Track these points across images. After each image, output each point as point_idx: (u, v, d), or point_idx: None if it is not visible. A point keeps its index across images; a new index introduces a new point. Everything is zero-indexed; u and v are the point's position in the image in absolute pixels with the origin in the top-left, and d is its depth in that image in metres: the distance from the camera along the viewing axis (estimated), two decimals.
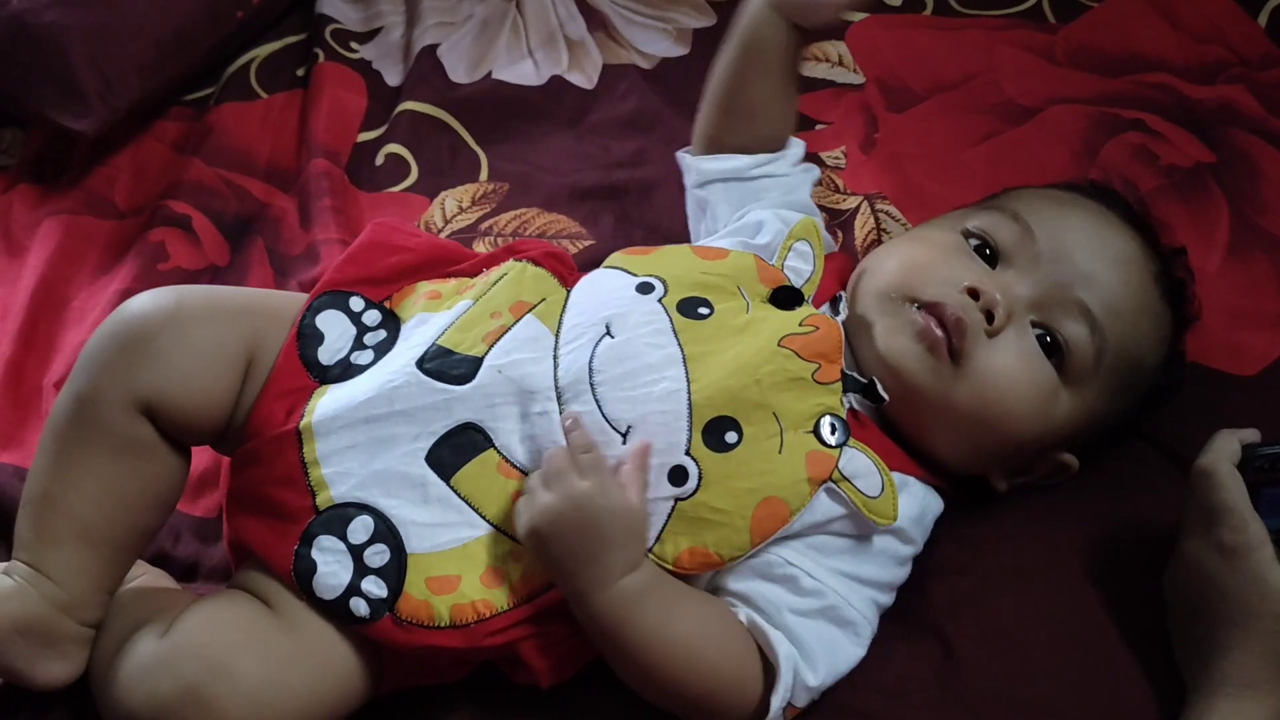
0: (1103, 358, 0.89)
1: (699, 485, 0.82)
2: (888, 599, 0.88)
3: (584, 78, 1.39)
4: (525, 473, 0.84)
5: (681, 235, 1.08)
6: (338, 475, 0.84)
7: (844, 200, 1.22)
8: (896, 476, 0.86)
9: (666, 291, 0.89)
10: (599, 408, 0.83)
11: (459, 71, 1.39)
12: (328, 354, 0.89)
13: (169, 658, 0.81)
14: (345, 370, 0.88)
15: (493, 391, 0.85)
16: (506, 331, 0.87)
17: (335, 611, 0.83)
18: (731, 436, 0.83)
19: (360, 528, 0.84)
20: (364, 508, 0.84)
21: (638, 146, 1.29)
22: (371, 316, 0.91)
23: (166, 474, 0.88)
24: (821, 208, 1.21)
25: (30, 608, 0.84)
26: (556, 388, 0.84)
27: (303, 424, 0.85)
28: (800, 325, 0.87)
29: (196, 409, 0.86)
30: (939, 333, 0.88)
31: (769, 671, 0.82)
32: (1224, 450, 0.84)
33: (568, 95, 1.37)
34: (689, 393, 0.83)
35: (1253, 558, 0.80)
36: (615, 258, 0.95)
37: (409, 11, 1.46)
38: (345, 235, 1.19)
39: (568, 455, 0.81)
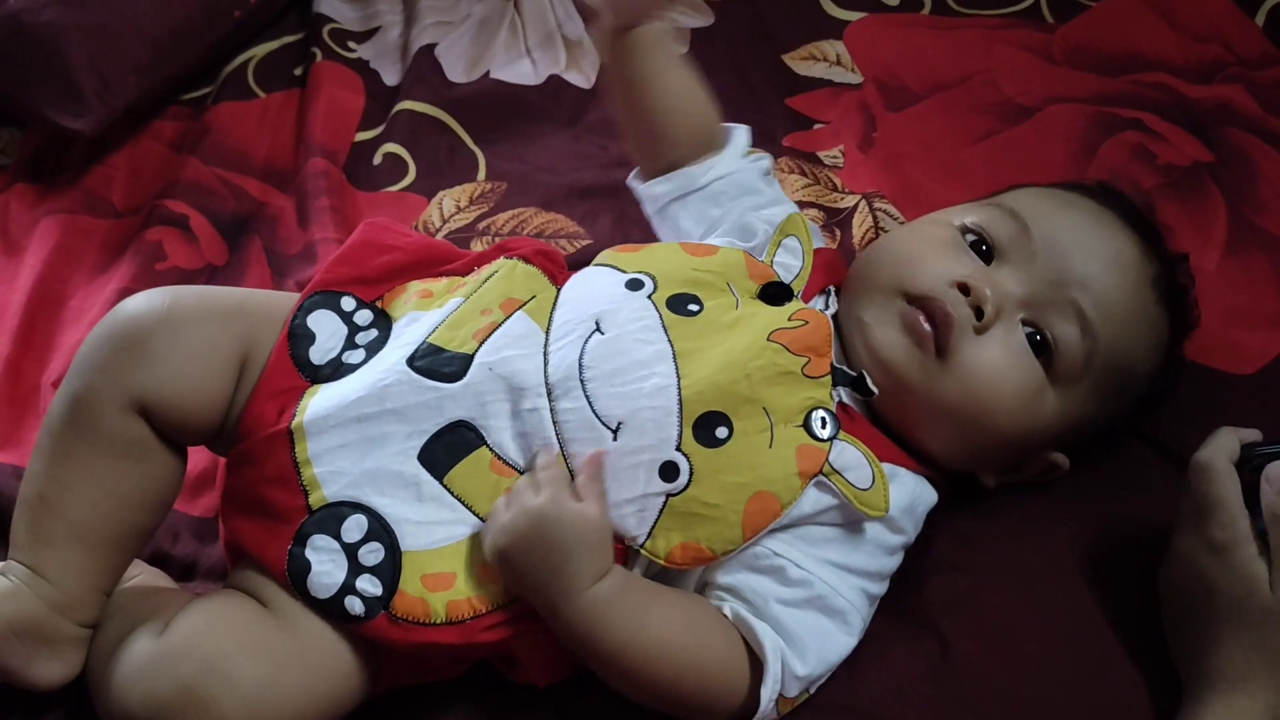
0: (1093, 360, 0.89)
1: (690, 480, 0.82)
2: (878, 588, 0.88)
3: (582, 77, 1.39)
4: (518, 470, 0.84)
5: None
6: (330, 474, 0.84)
7: (842, 199, 1.22)
8: (887, 467, 0.86)
9: (656, 288, 0.89)
10: (589, 404, 0.83)
11: (457, 71, 1.39)
12: (319, 353, 0.89)
13: (166, 657, 0.81)
14: (337, 369, 0.88)
15: (484, 389, 0.85)
16: (497, 328, 0.87)
17: (330, 610, 0.83)
18: (722, 431, 0.83)
19: (354, 526, 0.84)
20: (357, 506, 0.84)
21: None
22: (363, 316, 0.91)
23: (163, 474, 0.88)
24: (820, 207, 1.21)
25: (26, 608, 0.84)
26: (547, 384, 0.84)
27: (294, 424, 0.85)
28: (789, 320, 0.87)
29: (191, 409, 0.86)
30: (926, 327, 0.88)
31: (758, 664, 0.82)
32: (1223, 447, 0.84)
33: (566, 95, 1.37)
34: (679, 388, 0.83)
35: (1240, 553, 0.80)
36: (605, 255, 0.95)
37: (407, 11, 1.46)
38: (343, 235, 1.19)
39: (528, 475, 0.82)
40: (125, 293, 1.12)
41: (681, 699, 0.82)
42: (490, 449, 0.84)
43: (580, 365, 0.84)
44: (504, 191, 1.27)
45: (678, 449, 0.83)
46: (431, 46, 1.41)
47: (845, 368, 0.89)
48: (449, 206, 1.25)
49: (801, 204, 1.20)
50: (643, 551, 0.83)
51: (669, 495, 0.82)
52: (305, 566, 0.83)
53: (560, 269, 0.95)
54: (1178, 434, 0.97)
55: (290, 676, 0.82)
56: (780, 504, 0.83)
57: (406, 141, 1.32)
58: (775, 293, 0.91)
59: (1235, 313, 1.10)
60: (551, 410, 0.84)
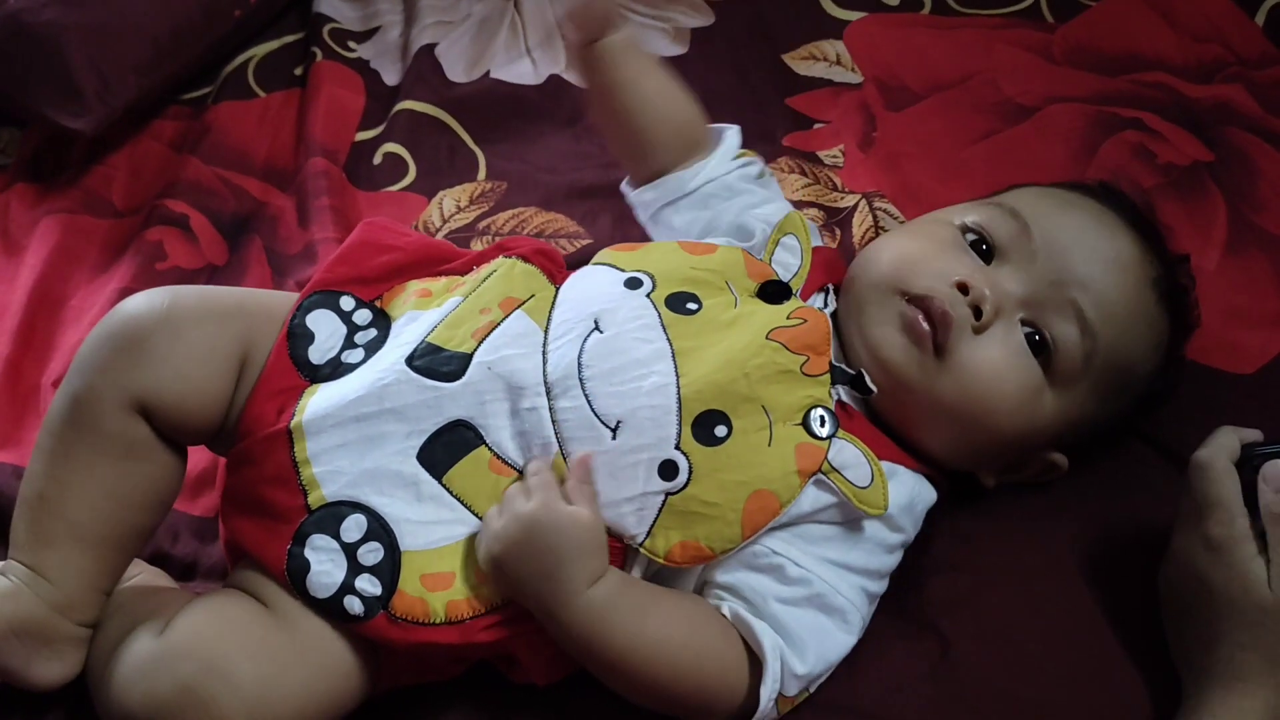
0: (1093, 360, 0.89)
1: (689, 479, 0.82)
2: (878, 587, 0.88)
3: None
4: (516, 469, 0.84)
5: None
6: (329, 474, 0.84)
7: (842, 199, 1.22)
8: (885, 466, 0.86)
9: (655, 287, 0.89)
10: (588, 402, 0.83)
11: (457, 70, 1.39)
12: (318, 353, 0.89)
13: (166, 657, 0.81)
14: (336, 369, 0.88)
15: (483, 388, 0.85)
16: (496, 328, 0.87)
17: (330, 610, 0.83)
18: (721, 430, 0.83)
19: (353, 526, 0.84)
20: (356, 506, 0.84)
21: None
22: (362, 315, 0.91)
23: (163, 474, 0.88)
24: (820, 206, 1.21)
25: (26, 608, 0.84)
26: (545, 383, 0.84)
27: (293, 423, 0.85)
28: (788, 318, 0.87)
29: (191, 408, 0.86)
30: (925, 326, 0.88)
31: (758, 663, 0.82)
32: (1223, 446, 0.84)
33: (566, 94, 1.37)
34: (678, 387, 0.83)
35: (1237, 551, 0.80)
36: (604, 254, 0.95)
37: (407, 10, 1.46)
38: (343, 234, 1.18)
39: (519, 483, 0.82)
40: (125, 292, 1.12)
41: (681, 699, 0.82)
42: (489, 448, 0.84)
43: (579, 364, 0.84)
44: (504, 191, 1.27)
45: (677, 447, 0.83)
46: (432, 46, 1.41)
47: (844, 366, 0.89)
48: (449, 206, 1.25)
49: (801, 203, 1.21)
50: (642, 550, 0.83)
51: (668, 494, 0.82)
52: (305, 566, 0.83)
53: (559, 268, 0.95)
54: (1177, 433, 0.97)
55: (290, 676, 0.82)
56: (779, 502, 0.83)
57: (407, 141, 1.31)
58: (774, 291, 0.91)
59: (1235, 312, 1.10)
60: (550, 409, 0.84)
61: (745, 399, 0.84)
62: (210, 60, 1.39)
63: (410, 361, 0.86)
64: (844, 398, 0.89)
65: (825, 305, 0.94)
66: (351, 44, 1.43)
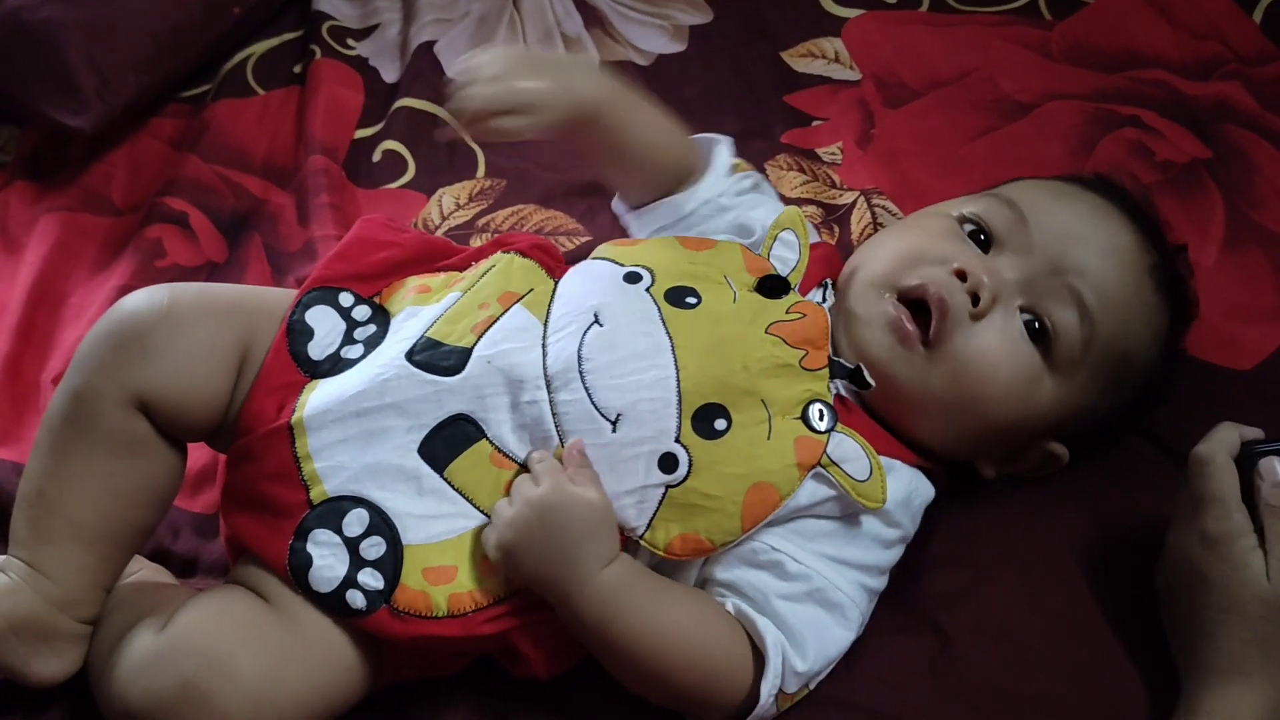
0: (1092, 346, 0.89)
1: (689, 472, 0.82)
2: (876, 583, 0.88)
3: None
4: (518, 462, 0.84)
5: None
6: (330, 469, 0.84)
7: (840, 196, 1.23)
8: (883, 460, 0.86)
9: (654, 281, 0.89)
10: (588, 396, 0.83)
11: (456, 68, 1.39)
12: (318, 349, 0.89)
13: (167, 653, 0.81)
14: (335, 365, 0.88)
15: (483, 382, 0.85)
16: (495, 322, 0.87)
17: (331, 605, 0.83)
18: (721, 423, 0.83)
19: (355, 520, 0.84)
20: (358, 500, 0.84)
21: None
22: (361, 311, 0.91)
23: (163, 471, 0.88)
24: (818, 203, 1.21)
25: (26, 605, 0.84)
26: (546, 376, 0.84)
27: (294, 419, 0.85)
28: (787, 313, 0.88)
29: (191, 405, 0.86)
30: (910, 327, 0.88)
31: (758, 659, 0.82)
32: (1223, 441, 0.84)
33: None
34: (678, 380, 0.84)
35: (1234, 546, 0.81)
36: (603, 248, 0.96)
37: (406, 8, 1.46)
38: (342, 232, 1.19)
39: (526, 474, 0.83)
40: (125, 290, 1.12)
41: (686, 690, 0.82)
42: (490, 442, 0.85)
43: (579, 357, 0.84)
44: (503, 188, 1.27)
45: (677, 440, 0.83)
46: (431, 44, 1.41)
47: (843, 360, 0.90)
48: (448, 203, 1.25)
49: (800, 200, 1.21)
50: (642, 543, 0.83)
51: (668, 487, 0.83)
52: (306, 561, 0.83)
53: (557, 263, 0.95)
54: (1176, 429, 0.97)
55: (292, 671, 0.82)
56: (779, 495, 0.83)
57: (406, 139, 1.32)
58: (772, 285, 0.91)
59: (1233, 308, 1.10)
60: (551, 402, 0.84)
61: (745, 392, 0.84)
62: (209, 58, 1.39)
63: (410, 356, 0.86)
64: (843, 392, 0.89)
65: (824, 300, 0.94)
66: (350, 41, 1.43)
